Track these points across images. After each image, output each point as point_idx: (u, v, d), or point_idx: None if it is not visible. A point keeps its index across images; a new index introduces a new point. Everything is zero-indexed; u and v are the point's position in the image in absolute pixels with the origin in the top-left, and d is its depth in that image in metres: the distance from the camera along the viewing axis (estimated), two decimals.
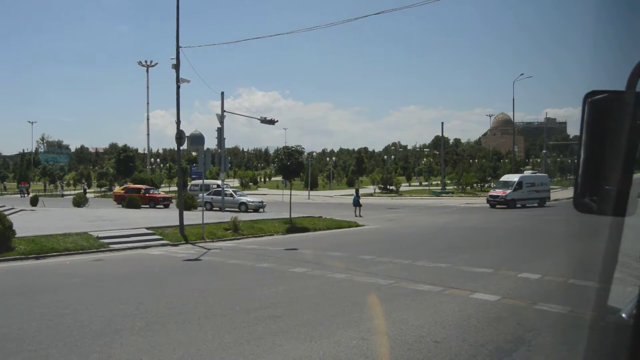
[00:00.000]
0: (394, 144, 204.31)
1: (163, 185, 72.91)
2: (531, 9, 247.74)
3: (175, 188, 62.94)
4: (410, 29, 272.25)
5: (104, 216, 26.88)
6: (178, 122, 20.90)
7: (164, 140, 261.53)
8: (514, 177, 46.02)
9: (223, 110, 32.39)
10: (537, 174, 50.06)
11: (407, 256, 15.51)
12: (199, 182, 42.47)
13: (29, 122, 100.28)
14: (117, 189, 49.58)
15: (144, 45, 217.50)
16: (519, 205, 42.68)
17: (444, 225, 27.96)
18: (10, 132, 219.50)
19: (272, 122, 34.86)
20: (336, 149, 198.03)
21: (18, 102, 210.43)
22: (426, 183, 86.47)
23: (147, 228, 21.05)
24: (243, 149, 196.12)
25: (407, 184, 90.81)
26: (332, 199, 59.36)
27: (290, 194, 27.34)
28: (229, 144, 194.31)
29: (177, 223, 21.13)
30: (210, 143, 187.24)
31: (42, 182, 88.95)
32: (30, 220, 24.37)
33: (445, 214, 37.00)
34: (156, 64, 66.96)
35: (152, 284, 11.68)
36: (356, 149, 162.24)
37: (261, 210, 35.51)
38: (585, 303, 10.62)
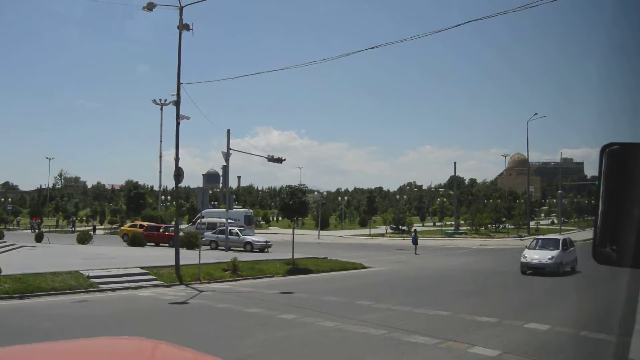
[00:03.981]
0: (409, 184, 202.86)
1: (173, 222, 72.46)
2: (550, 49, 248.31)
3: (185, 225, 62.47)
4: (425, 67, 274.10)
5: (105, 254, 26.28)
6: (177, 159, 20.46)
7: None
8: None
9: (229, 148, 32.00)
10: (239, 209, 46.93)
11: (407, 302, 14.62)
12: (207, 220, 42.07)
13: (47, 158, 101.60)
14: (125, 226, 49.12)
15: (162, 83, 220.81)
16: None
17: (453, 268, 26.90)
18: (29, 168, 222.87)
19: (279, 160, 34.29)
20: (351, 189, 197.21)
21: (37, 138, 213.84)
22: (440, 223, 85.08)
23: (142, 267, 20.35)
24: (257, 187, 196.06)
25: (421, 224, 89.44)
26: (343, 239, 58.26)
27: (293, 234, 26.54)
28: (244, 182, 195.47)
29: (181, 262, 20.40)
30: (229, 181, 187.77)
31: (55, 218, 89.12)
32: (27, 257, 23.91)
33: (456, 256, 35.86)
34: (169, 102, 67.35)
35: (125, 329, 10.89)
36: (371, 189, 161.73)
37: (267, 250, 34.71)
38: (598, 359, 9.64)
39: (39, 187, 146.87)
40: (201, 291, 17.14)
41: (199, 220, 43.26)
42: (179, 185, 21.48)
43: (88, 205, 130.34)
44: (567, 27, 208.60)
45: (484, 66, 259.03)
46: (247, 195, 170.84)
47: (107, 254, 26.67)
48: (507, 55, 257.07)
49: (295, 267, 23.99)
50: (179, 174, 20.48)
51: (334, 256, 29.70)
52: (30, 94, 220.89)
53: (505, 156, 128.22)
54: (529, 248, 24.45)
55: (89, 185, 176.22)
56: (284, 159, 34.27)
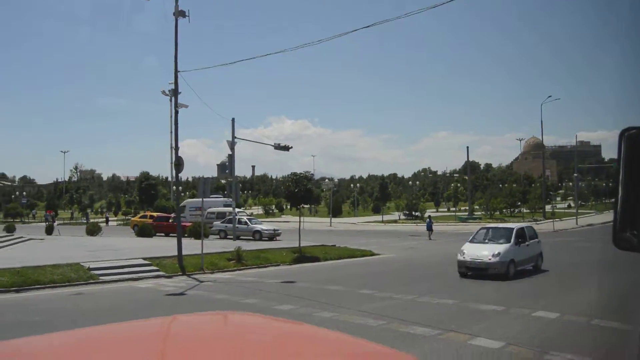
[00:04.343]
0: (423, 170, 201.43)
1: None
2: (563, 32, 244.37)
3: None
4: (438, 54, 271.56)
5: (111, 245, 26.05)
6: (176, 149, 20.07)
7: (195, 168, 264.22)
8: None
9: (234, 137, 31.53)
10: (219, 198, 46.14)
11: (412, 290, 14.10)
12: (215, 209, 41.81)
13: (62, 151, 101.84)
14: (135, 217, 49.02)
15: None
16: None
17: None
18: (46, 162, 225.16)
19: (286, 148, 33.84)
20: (365, 176, 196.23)
21: (54, 132, 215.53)
22: (454, 209, 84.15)
23: (145, 258, 20.06)
24: (271, 176, 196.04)
25: (435, 210, 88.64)
26: (355, 226, 57.82)
27: (300, 221, 26.16)
28: (258, 171, 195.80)
29: (185, 252, 20.05)
30: (243, 170, 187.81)
31: (70, 211, 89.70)
32: (32, 250, 23.78)
33: None
34: (179, 92, 66.94)
35: (114, 321, 10.51)
36: (385, 176, 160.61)
37: (276, 238, 34.34)
38: (610, 351, 9.05)
39: (55, 180, 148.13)
40: (202, 282, 16.78)
41: (207, 210, 43.05)
42: (180, 174, 21.08)
43: (103, 197, 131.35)
44: (582, 9, 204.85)
45: (498, 50, 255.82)
46: (261, 184, 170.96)
47: (114, 245, 26.45)
48: (520, 39, 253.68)
49: (302, 255, 23.56)
50: (178, 163, 20.08)
51: (344, 243, 29.25)
52: (46, 89, 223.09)
53: (520, 140, 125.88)
54: (471, 241, 18.59)
55: (105, 178, 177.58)
56: (291, 147, 33.77)
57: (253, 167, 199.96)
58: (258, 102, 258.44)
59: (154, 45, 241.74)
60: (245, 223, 35.36)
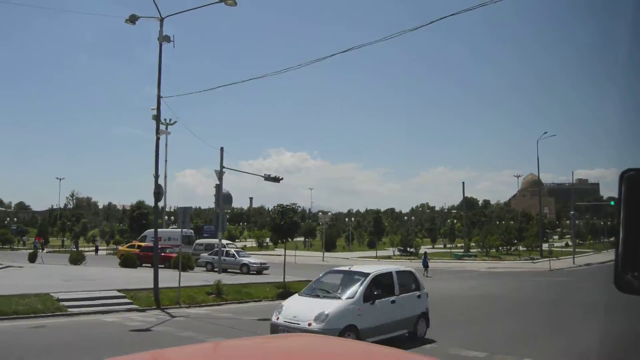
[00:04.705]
0: (422, 205, 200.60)
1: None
2: (561, 70, 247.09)
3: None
4: (437, 89, 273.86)
5: (90, 275, 25.22)
6: (156, 177, 19.37)
7: (194, 198, 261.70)
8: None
9: (222, 167, 31.02)
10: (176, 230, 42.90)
11: None
12: (204, 241, 41.12)
13: (57, 178, 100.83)
14: (123, 247, 48.04)
15: (171, 103, 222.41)
16: None
17: (454, 293, 25.37)
18: (42, 188, 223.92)
19: (276, 179, 33.33)
20: (363, 210, 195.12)
21: (50, 158, 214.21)
22: (450, 245, 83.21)
23: (119, 290, 19.25)
24: (268, 208, 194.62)
25: (431, 246, 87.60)
26: (349, 261, 56.67)
27: (285, 255, 25.31)
28: (257, 203, 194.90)
29: (164, 285, 19.20)
30: (242, 202, 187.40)
31: (61, 238, 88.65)
32: (5, 279, 22.92)
33: (462, 280, 34.33)
34: (175, 122, 66.11)
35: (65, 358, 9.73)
36: (383, 210, 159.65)
37: (265, 272, 33.50)
38: None
39: (50, 207, 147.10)
40: (174, 317, 15.96)
41: (196, 242, 42.26)
42: (159, 202, 20.39)
43: (98, 226, 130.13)
44: (577, 48, 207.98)
45: (496, 88, 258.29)
46: (257, 217, 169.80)
47: (93, 275, 25.62)
48: (516, 77, 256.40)
49: (286, 291, 22.65)
50: (158, 192, 19.47)
51: None
52: (46, 115, 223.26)
53: (518, 177, 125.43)
54: (302, 293, 12.33)
55: (101, 206, 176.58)
56: (282, 178, 33.28)
57: (251, 198, 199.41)
58: (258, 134, 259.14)
59: (153, 71, 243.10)
60: (233, 255, 34.62)
